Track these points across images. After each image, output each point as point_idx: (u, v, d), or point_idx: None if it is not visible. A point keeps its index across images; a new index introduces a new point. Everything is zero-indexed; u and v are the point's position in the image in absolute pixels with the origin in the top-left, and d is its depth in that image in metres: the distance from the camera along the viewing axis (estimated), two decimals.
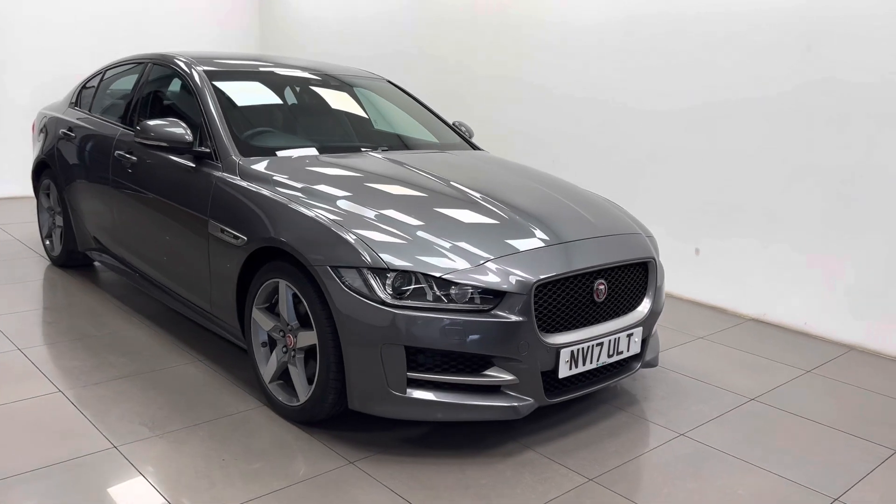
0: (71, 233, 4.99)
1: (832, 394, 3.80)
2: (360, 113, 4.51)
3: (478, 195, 3.38)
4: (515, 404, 2.86)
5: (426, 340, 2.76)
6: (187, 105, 4.03)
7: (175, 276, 3.85)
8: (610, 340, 3.11)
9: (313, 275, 2.89)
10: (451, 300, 2.79)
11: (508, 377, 2.84)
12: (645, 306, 3.33)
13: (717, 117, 5.01)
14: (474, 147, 4.55)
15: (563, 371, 2.95)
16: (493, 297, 2.81)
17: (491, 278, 2.82)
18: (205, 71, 4.03)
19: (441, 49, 7.01)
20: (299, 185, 3.29)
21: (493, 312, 2.79)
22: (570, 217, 3.36)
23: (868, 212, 4.38)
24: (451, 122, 4.78)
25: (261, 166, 3.48)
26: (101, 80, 5.01)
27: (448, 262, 2.83)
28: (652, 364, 3.48)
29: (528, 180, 3.83)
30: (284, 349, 3.17)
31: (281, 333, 3.18)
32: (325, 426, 3.09)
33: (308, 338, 3.00)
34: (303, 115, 4.34)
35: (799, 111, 4.60)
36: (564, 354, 2.93)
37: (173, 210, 3.74)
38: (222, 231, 3.37)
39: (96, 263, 5.14)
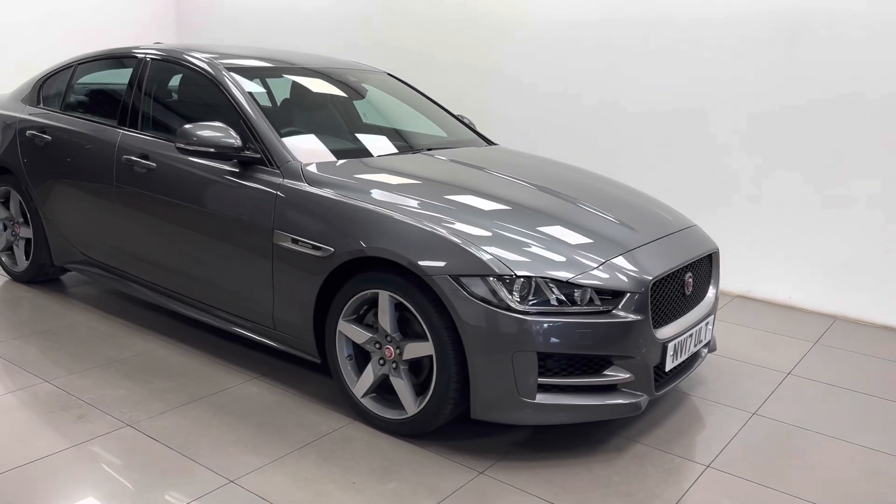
0: (43, 246, 4.52)
1: (851, 362, 4.15)
2: (385, 111, 4.37)
3: (564, 195, 3.42)
4: (635, 401, 2.92)
5: (558, 345, 2.76)
6: (211, 105, 3.75)
7: (217, 290, 3.60)
8: (696, 330, 3.25)
9: (430, 285, 2.81)
10: (573, 303, 2.81)
11: (626, 375, 2.90)
12: (712, 294, 3.50)
13: (700, 107, 5.28)
14: (489, 142, 4.54)
15: (669, 364, 3.05)
16: (611, 297, 2.85)
17: (611, 278, 2.86)
18: (228, 68, 3.76)
19: (402, 40, 6.88)
20: (383, 191, 3.17)
21: (613, 312, 2.83)
22: (650, 215, 3.47)
23: (840, 195, 4.79)
24: (458, 116, 4.74)
25: (327, 171, 3.32)
26: (72, 76, 4.54)
27: (568, 265, 2.84)
28: (713, 349, 3.66)
29: (590, 179, 3.90)
30: (381, 361, 3.07)
31: (377, 345, 3.07)
32: (430, 437, 3.03)
33: (419, 349, 2.92)
34: (330, 114, 4.15)
35: (781, 101, 4.94)
36: (670, 348, 3.03)
37: (216, 220, 3.48)
38: (295, 242, 3.18)
39: (78, 276, 4.69)
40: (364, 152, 3.72)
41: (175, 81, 4.12)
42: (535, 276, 2.78)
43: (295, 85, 4.16)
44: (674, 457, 3.01)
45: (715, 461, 2.99)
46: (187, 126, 3.40)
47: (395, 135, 4.22)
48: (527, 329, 2.72)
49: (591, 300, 2.83)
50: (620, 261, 2.95)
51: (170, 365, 3.63)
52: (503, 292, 2.75)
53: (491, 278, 2.76)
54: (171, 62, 4.00)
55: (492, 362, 2.76)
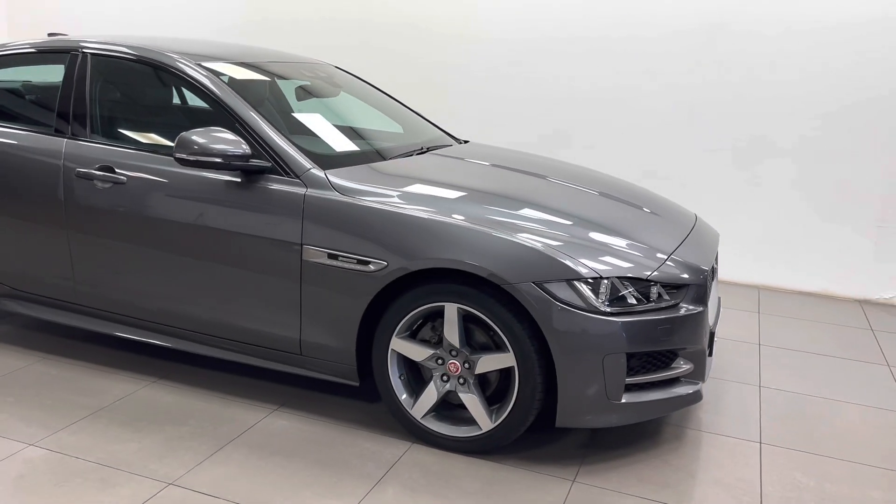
0: None
1: (802, 329, 4.54)
2: (346, 110, 4.09)
3: (595, 192, 3.42)
4: (696, 389, 2.99)
5: (644, 343, 2.76)
6: (189, 108, 3.31)
7: (223, 317, 3.18)
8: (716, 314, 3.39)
9: (513, 294, 2.68)
10: (648, 300, 2.81)
11: (688, 366, 2.95)
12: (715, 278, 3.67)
13: (632, 97, 5.50)
14: (458, 140, 4.39)
15: (711, 351, 3.16)
16: (675, 290, 2.89)
17: (677, 272, 2.89)
18: (209, 69, 3.32)
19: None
20: (430, 197, 2.97)
21: (680, 306, 2.88)
22: (672, 207, 3.56)
23: (763, 179, 5.24)
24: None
25: (355, 179, 3.05)
26: None
27: (640, 262, 2.84)
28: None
29: (594, 173, 3.94)
30: (445, 377, 2.89)
31: (438, 361, 2.89)
32: (501, 451, 2.90)
33: (495, 361, 2.79)
34: (312, 115, 3.80)
35: (703, 93, 5.29)
36: (713, 336, 3.14)
37: (219, 239, 3.08)
38: (334, 258, 2.90)
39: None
40: (370, 156, 3.45)
41: (134, 80, 3.58)
42: (616, 276, 2.74)
43: (275, 87, 3.78)
44: (726, 437, 3.14)
45: (763, 437, 3.15)
46: (187, 134, 2.97)
47: (379, 135, 3.96)
48: (617, 330, 2.69)
49: (659, 295, 2.85)
50: (678, 255, 2.99)
51: (168, 407, 3.17)
52: (590, 295, 2.69)
53: (576, 282, 2.69)
54: (126, 59, 3.45)
55: (582, 368, 2.70)
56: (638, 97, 5.47)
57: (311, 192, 2.98)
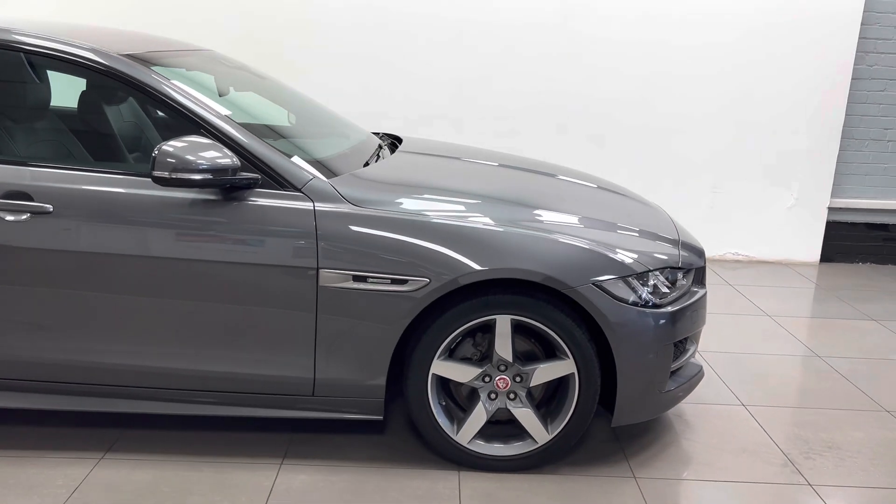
0: None
1: (778, 295, 4.92)
2: (249, 103, 3.54)
3: (592, 185, 3.41)
4: (701, 368, 3.11)
5: (685, 330, 2.80)
6: (123, 115, 2.65)
7: (202, 365, 2.62)
8: None
9: (573, 297, 2.56)
10: (675, 287, 2.85)
11: (694, 347, 3.06)
12: None
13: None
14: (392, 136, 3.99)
15: None
16: (683, 275, 2.96)
17: (695, 257, 2.96)
18: (141, 62, 2.66)
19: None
20: (459, 203, 2.71)
21: (695, 289, 2.96)
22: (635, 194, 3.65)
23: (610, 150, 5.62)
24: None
25: (363, 188, 2.67)
26: None
27: (670, 252, 2.85)
28: None
29: (557, 166, 3.90)
30: (492, 395, 2.68)
31: (485, 379, 2.67)
32: (548, 461, 2.79)
33: (554, 370, 2.65)
34: (254, 113, 3.21)
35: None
36: None
37: (203, 270, 2.52)
38: (360, 280, 2.52)
39: None
40: (344, 161, 3.02)
41: (25, 77, 2.74)
42: (659, 268, 2.73)
43: (205, 82, 3.12)
44: (713, 405, 3.32)
45: (743, 400, 3.39)
46: (167, 147, 2.37)
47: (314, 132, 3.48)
48: (668, 321, 2.70)
49: (675, 280, 2.91)
50: (683, 239, 3.06)
51: (144, 487, 2.54)
52: (642, 290, 2.66)
53: (630, 278, 2.64)
54: (26, 51, 2.63)
55: (640, 363, 2.68)
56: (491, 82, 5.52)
57: (320, 206, 2.55)
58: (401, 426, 2.99)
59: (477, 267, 2.52)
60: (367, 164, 3.02)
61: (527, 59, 5.49)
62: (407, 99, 5.56)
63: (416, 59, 5.50)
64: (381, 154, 3.27)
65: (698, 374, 3.04)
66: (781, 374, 3.70)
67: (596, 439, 2.98)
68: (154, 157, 2.36)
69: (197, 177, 2.39)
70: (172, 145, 2.38)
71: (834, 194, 5.79)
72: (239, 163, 2.48)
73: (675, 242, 2.93)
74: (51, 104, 2.95)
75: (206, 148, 2.43)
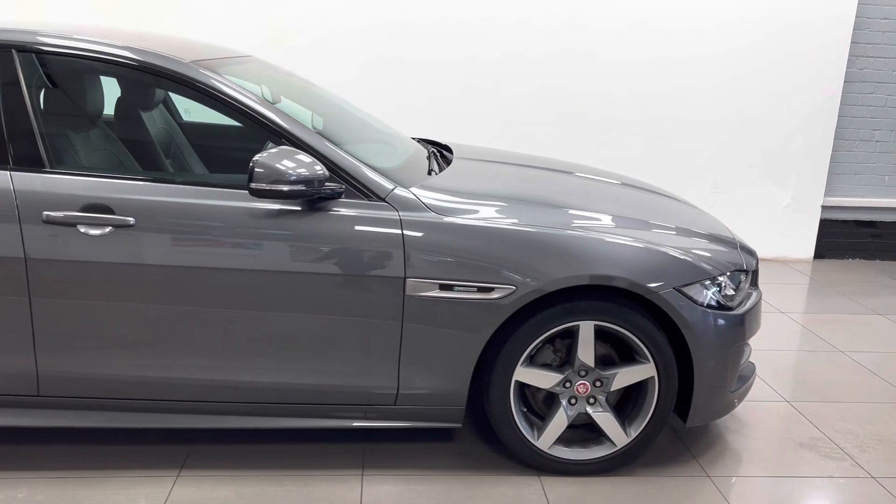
0: None
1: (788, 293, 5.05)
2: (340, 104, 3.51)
3: (651, 190, 3.47)
4: (754, 366, 3.19)
5: (752, 332, 2.88)
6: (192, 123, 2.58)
7: (281, 378, 2.58)
8: None
9: (657, 303, 2.60)
10: (739, 290, 2.90)
11: (749, 347, 3.13)
12: None
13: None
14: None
15: None
16: (747, 275, 3.02)
17: (750, 261, 3.02)
18: (203, 70, 2.59)
19: None
20: (537, 209, 2.73)
21: (750, 291, 3.03)
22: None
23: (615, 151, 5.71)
24: None
25: (442, 197, 2.66)
26: None
27: (735, 255, 2.91)
28: None
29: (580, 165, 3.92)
30: (572, 400, 2.71)
31: (565, 385, 2.70)
32: (631, 465, 2.83)
33: (634, 373, 2.69)
34: (308, 122, 3.15)
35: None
36: None
37: (289, 282, 2.48)
38: (447, 288, 2.52)
39: None
40: (416, 168, 3.01)
41: (94, 86, 2.66)
42: (728, 272, 2.79)
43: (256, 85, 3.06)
44: (759, 402, 3.41)
45: (785, 396, 3.50)
46: (263, 159, 2.33)
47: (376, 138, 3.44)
48: (741, 323, 2.77)
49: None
50: (739, 241, 3.13)
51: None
52: (718, 293, 2.72)
53: (707, 281, 2.70)
54: (83, 58, 2.53)
55: (716, 366, 2.73)
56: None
57: (406, 215, 2.54)
58: (465, 433, 2.99)
59: (563, 274, 2.55)
60: (430, 173, 3.01)
61: (529, 60, 5.53)
62: (413, 98, 5.54)
63: (422, 58, 5.48)
64: (435, 162, 3.26)
65: (754, 374, 3.13)
66: (812, 370, 3.83)
67: (658, 440, 3.03)
68: (251, 169, 2.32)
69: (290, 188, 2.36)
70: (269, 157, 2.35)
71: (826, 193, 6.00)
72: (328, 173, 2.46)
73: (734, 245, 3.00)
74: (104, 112, 2.88)
75: (298, 159, 2.39)
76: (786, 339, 4.26)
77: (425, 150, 3.40)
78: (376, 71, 5.48)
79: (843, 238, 6.17)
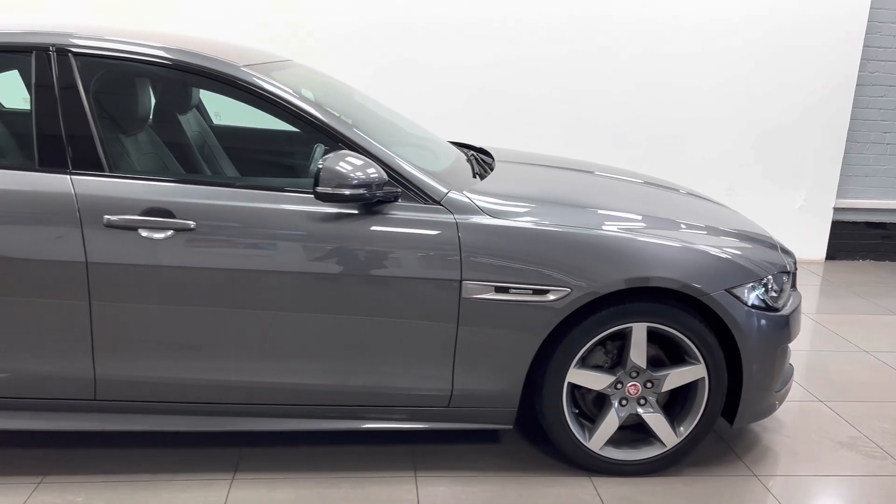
0: None
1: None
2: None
3: (694, 195, 3.48)
4: (791, 365, 3.23)
5: (796, 332, 2.92)
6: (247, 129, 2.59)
7: (337, 380, 2.60)
8: None
9: (709, 304, 2.63)
10: (783, 291, 2.93)
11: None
12: None
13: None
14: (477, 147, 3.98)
15: None
16: (788, 277, 3.05)
17: (790, 262, 3.06)
18: (258, 75, 2.60)
19: None
20: (588, 213, 2.75)
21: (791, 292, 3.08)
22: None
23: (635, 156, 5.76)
24: None
25: (495, 200, 2.68)
26: None
27: (777, 256, 2.94)
28: None
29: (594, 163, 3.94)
30: (623, 402, 2.74)
31: (617, 386, 2.72)
32: (679, 465, 2.86)
33: (685, 375, 2.72)
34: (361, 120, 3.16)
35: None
36: None
37: (347, 284, 2.50)
38: (502, 291, 2.54)
39: None
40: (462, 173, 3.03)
41: (128, 90, 2.67)
42: (773, 273, 2.82)
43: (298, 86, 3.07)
44: (795, 402, 3.46)
45: (819, 396, 3.54)
46: (329, 164, 2.35)
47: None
48: (787, 324, 2.81)
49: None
50: (779, 243, 3.17)
51: None
52: (765, 295, 2.76)
53: (755, 283, 2.73)
54: (111, 59, 2.53)
55: (764, 367, 2.77)
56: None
57: (461, 219, 2.56)
58: (510, 434, 3.01)
59: (618, 276, 2.57)
60: (475, 176, 3.03)
61: (543, 61, 5.56)
62: (425, 99, 5.55)
63: (435, 59, 5.50)
64: (476, 165, 3.28)
65: (793, 376, 3.16)
66: (839, 370, 3.87)
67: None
68: (318, 173, 2.34)
69: (352, 192, 2.37)
70: (334, 161, 2.37)
71: (838, 195, 6.07)
72: (385, 177, 2.48)
73: (775, 247, 3.04)
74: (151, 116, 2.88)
75: (359, 163, 2.41)
76: (809, 339, 4.31)
77: (464, 154, 3.42)
78: (390, 74, 5.50)
79: (854, 239, 6.24)
